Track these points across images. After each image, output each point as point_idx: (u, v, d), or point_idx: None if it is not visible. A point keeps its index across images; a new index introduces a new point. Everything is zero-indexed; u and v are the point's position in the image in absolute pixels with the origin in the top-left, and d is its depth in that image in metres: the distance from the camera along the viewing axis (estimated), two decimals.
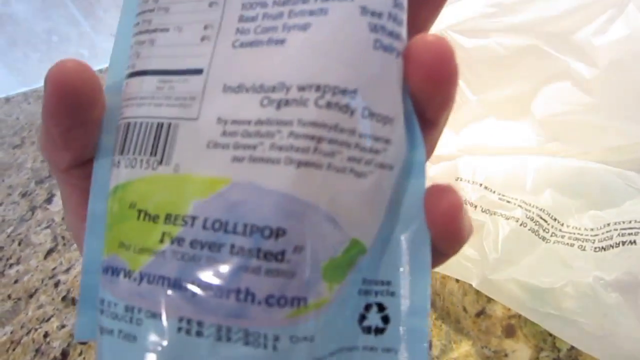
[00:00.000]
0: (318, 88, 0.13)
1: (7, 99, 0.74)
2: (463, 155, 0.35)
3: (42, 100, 0.14)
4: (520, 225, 0.29)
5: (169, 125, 0.15)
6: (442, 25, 0.34)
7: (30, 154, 0.63)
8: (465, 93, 0.35)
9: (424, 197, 0.14)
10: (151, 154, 0.15)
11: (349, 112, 0.13)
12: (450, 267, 0.31)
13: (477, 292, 0.31)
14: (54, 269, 0.44)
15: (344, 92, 0.13)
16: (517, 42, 0.31)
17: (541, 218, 0.29)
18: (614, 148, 0.30)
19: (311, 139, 0.13)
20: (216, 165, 0.14)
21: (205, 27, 0.15)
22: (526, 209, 0.30)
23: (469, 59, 0.33)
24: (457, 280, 0.33)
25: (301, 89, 0.13)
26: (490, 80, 0.34)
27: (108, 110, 0.16)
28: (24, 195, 0.55)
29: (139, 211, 0.14)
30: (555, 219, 0.29)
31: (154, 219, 0.14)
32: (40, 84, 0.70)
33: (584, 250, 0.27)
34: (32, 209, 0.52)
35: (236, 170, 0.13)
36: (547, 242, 0.28)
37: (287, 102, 0.13)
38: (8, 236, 0.49)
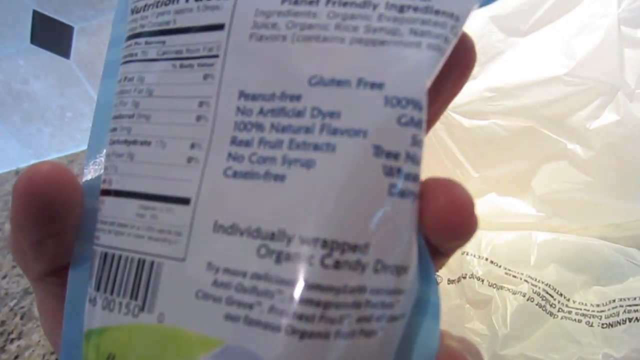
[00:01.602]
0: (325, 244, 0.12)
1: (17, 172, 0.75)
2: None
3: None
4: (528, 300, 0.29)
5: (152, 263, 0.13)
6: None
7: None
8: (467, 169, 0.37)
9: (437, 343, 0.13)
10: (131, 297, 0.13)
11: (359, 269, 0.12)
12: None
13: None
14: None
15: (354, 248, 0.12)
16: (515, 124, 0.33)
17: (547, 293, 0.30)
18: (613, 225, 0.32)
19: (316, 305, 0.11)
20: (206, 322, 0.12)
21: (192, 146, 0.13)
22: (532, 284, 0.30)
23: (470, 138, 0.35)
24: None
25: (305, 241, 0.12)
26: (491, 158, 0.35)
27: (85, 211, 0.14)
28: None
29: None
30: (561, 294, 0.30)
31: None
32: (50, 156, 0.72)
33: (591, 326, 0.27)
34: None
35: (230, 332, 0.12)
36: (554, 318, 0.29)
37: (288, 257, 0.12)
38: (11, 310, 0.49)
